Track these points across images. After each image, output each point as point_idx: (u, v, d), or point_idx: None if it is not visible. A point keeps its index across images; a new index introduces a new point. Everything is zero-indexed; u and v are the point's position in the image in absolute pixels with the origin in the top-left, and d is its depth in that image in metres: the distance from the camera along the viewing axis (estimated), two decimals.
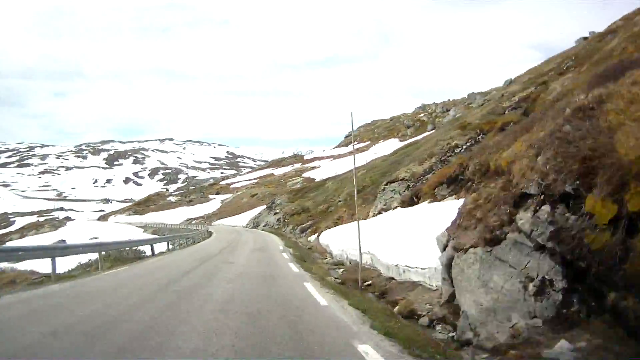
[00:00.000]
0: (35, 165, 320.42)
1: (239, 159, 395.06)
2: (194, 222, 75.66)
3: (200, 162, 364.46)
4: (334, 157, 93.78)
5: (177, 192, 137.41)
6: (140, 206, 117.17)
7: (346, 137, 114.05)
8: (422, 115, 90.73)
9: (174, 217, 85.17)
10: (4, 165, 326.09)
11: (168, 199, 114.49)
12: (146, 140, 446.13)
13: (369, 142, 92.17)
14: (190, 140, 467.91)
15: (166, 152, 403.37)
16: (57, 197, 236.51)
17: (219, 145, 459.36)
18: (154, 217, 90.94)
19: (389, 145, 75.35)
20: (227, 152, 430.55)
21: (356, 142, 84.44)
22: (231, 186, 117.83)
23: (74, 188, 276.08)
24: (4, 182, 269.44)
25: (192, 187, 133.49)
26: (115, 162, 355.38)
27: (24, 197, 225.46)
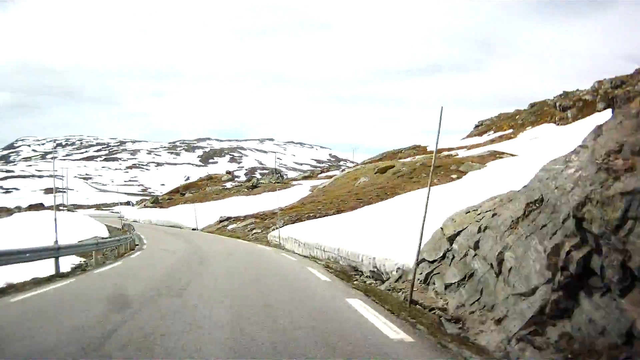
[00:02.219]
0: (124, 160, 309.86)
1: (342, 162, 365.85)
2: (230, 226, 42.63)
3: (301, 164, 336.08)
4: (468, 148, 65.34)
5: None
6: (171, 197, 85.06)
7: (476, 126, 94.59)
8: (584, 94, 66.25)
9: (209, 212, 52.77)
10: (90, 158, 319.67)
11: (226, 184, 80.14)
12: (245, 140, 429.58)
13: (511, 130, 74.25)
14: (292, 142, 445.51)
15: (265, 152, 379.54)
16: (140, 192, 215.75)
17: (321, 147, 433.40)
18: (175, 213, 60.50)
19: (545, 131, 59.60)
20: (330, 154, 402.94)
21: (491, 132, 77.78)
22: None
23: (163, 184, 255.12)
24: (86, 174, 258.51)
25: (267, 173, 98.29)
26: (210, 160, 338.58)
27: (101, 190, 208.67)
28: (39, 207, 75.95)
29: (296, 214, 36.73)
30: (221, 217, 46.82)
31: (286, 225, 31.34)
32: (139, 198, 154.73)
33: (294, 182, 76.65)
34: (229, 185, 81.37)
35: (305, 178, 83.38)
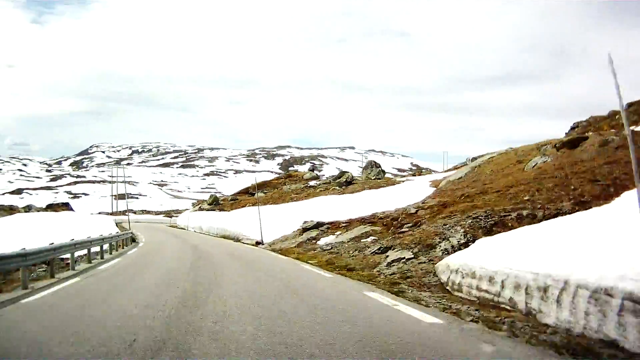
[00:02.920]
0: (201, 167, 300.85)
1: (424, 171, 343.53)
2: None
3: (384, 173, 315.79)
4: None
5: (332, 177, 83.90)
6: (236, 197, 66.29)
7: (572, 128, 68.88)
8: None
9: (286, 217, 33.03)
10: (166, 165, 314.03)
11: (310, 183, 60.56)
12: (325, 148, 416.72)
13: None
14: (373, 150, 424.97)
15: (346, 160, 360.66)
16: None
17: (402, 156, 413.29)
18: (237, 218, 40.75)
19: None
20: (412, 163, 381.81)
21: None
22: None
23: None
24: (161, 181, 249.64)
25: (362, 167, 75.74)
26: (290, 168, 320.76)
27: (175, 197, 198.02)
28: (58, 207, 59.35)
29: (474, 214, 16.09)
30: (305, 222, 26.34)
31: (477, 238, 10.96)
32: (196, 199, 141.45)
33: (399, 179, 55.76)
34: (313, 183, 61.10)
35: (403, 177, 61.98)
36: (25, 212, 53.89)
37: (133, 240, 30.93)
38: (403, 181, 51.04)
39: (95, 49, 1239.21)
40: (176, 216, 74.32)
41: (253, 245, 28.25)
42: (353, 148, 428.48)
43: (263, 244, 27.20)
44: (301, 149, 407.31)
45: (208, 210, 54.72)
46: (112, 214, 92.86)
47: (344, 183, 51.21)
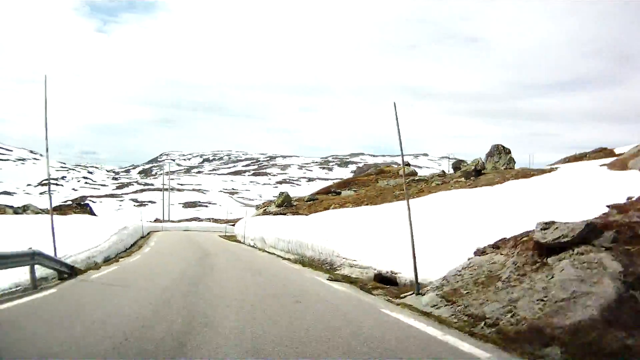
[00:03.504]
0: (274, 175, 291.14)
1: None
2: None
3: None
4: None
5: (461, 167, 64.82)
6: (314, 197, 51.61)
7: None
8: None
9: (399, 227, 12.74)
10: (237, 173, 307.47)
11: (427, 175, 44.68)
12: (398, 155, 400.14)
13: None
14: (446, 157, 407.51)
15: (420, 167, 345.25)
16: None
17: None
18: (318, 227, 23.37)
19: None
20: None
21: None
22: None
23: None
24: (232, 189, 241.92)
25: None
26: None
27: (246, 205, 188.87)
28: (70, 209, 46.55)
29: None
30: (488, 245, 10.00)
31: None
32: (262, 201, 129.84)
33: (548, 166, 38.88)
34: (423, 174, 45.08)
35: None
36: (16, 213, 40.64)
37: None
38: (557, 168, 34.51)
39: (163, 57, 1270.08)
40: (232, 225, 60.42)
41: (397, 297, 10.12)
42: (427, 155, 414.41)
43: (427, 291, 9.67)
44: (374, 156, 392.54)
45: (276, 214, 39.87)
46: (157, 220, 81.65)
47: (473, 173, 34.94)
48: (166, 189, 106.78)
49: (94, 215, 48.95)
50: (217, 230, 62.16)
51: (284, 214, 38.68)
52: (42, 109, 13.96)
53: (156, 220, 79.40)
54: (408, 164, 74.45)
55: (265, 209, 46.54)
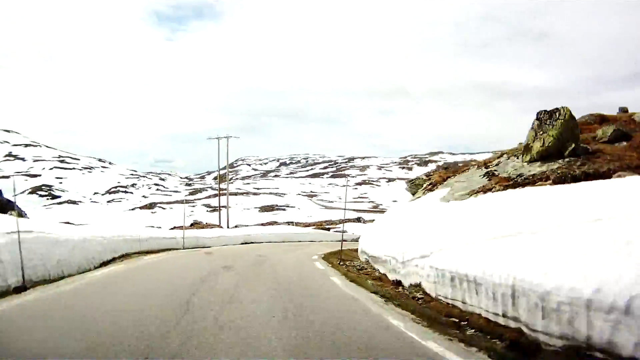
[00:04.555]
0: (353, 176, 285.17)
1: None
2: None
3: None
4: None
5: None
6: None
7: None
8: None
9: None
10: (315, 175, 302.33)
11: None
12: (478, 153, 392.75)
13: None
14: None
15: None
16: (371, 209, 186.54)
17: None
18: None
19: None
20: None
21: None
22: None
23: (395, 200, 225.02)
24: (311, 191, 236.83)
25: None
26: None
27: (327, 207, 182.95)
28: None
29: None
30: None
31: None
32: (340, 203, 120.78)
33: None
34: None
35: None
36: None
37: None
38: None
39: (238, 64, 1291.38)
40: (340, 230, 44.39)
41: None
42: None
43: None
44: (454, 154, 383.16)
45: (526, 182, 14.02)
46: (218, 226, 63.32)
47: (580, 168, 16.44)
48: (222, 190, 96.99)
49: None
50: (306, 240, 44.00)
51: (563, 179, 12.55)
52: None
53: (205, 226, 58.30)
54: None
55: (431, 182, 22.90)
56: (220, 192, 78.54)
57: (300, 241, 42.11)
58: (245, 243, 35.81)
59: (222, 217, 69.94)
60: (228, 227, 61.97)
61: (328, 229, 78.72)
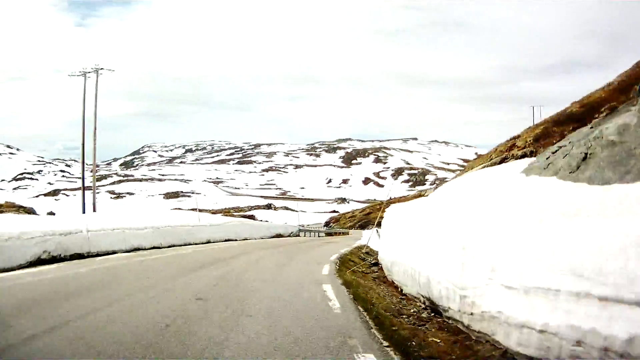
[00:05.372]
0: (259, 163, 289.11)
1: None
2: None
3: (449, 164, 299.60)
4: None
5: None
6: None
7: None
8: None
9: None
10: (221, 162, 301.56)
11: None
12: (387, 140, 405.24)
13: None
14: (436, 141, 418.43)
15: (410, 151, 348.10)
16: (279, 196, 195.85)
17: (466, 146, 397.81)
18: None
19: None
20: (476, 153, 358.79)
21: None
22: None
23: (302, 187, 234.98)
24: (217, 178, 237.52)
25: None
26: (354, 161, 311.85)
27: (233, 194, 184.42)
28: None
29: None
30: None
31: None
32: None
33: None
34: None
35: None
36: None
37: None
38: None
39: (145, 50, 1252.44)
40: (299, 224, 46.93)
41: None
42: (416, 139, 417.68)
43: None
44: (363, 141, 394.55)
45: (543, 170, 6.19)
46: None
47: None
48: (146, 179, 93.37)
49: (35, 214, 33.03)
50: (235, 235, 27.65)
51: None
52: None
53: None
54: None
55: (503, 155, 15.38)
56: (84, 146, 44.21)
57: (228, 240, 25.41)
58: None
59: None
60: (94, 210, 43.06)
61: (252, 217, 75.29)
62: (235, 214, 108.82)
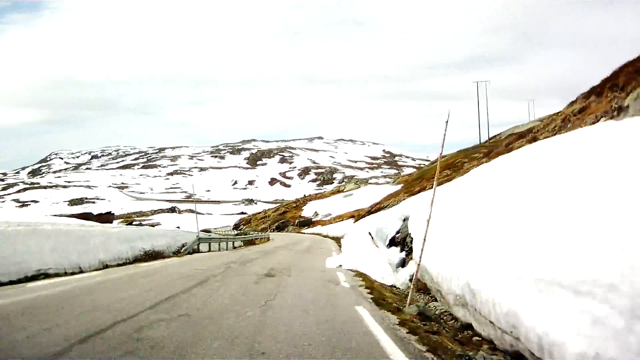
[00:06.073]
0: (164, 167, 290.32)
1: (397, 158, 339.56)
2: None
3: (356, 162, 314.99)
4: None
5: None
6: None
7: None
8: None
9: None
10: (126, 167, 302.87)
11: None
12: (292, 140, 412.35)
13: None
14: (342, 139, 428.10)
15: (316, 150, 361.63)
16: (184, 199, 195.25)
17: (373, 143, 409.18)
18: None
19: None
20: (384, 150, 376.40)
21: None
22: None
23: (208, 190, 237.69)
24: (122, 183, 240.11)
25: None
26: (259, 162, 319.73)
27: (138, 198, 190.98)
28: None
29: None
30: None
31: None
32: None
33: None
34: None
35: None
36: None
37: None
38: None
39: (49, 56, 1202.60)
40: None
41: None
42: (321, 138, 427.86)
43: None
44: (268, 141, 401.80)
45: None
46: None
47: None
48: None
49: None
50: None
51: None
52: None
53: None
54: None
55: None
56: None
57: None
58: None
59: None
60: None
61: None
62: (137, 219, 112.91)
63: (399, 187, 61.06)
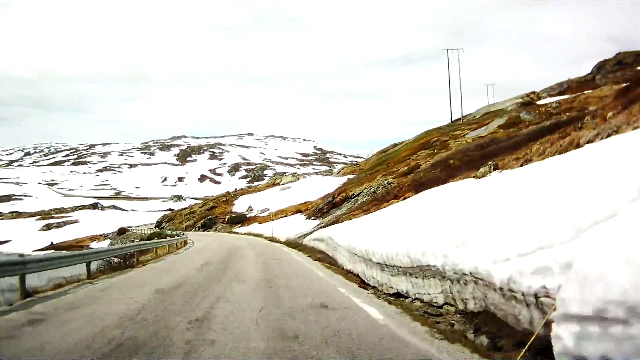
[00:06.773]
0: (94, 163, 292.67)
1: (328, 155, 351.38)
2: None
3: (287, 158, 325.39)
4: None
5: None
6: None
7: None
8: None
9: None
10: (56, 163, 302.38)
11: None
12: (222, 136, 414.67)
13: None
14: (272, 136, 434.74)
15: (247, 147, 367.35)
16: (113, 196, 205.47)
17: (305, 140, 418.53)
18: None
19: None
20: (315, 147, 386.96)
21: None
22: None
23: (138, 187, 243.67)
24: (52, 180, 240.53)
25: None
26: (189, 159, 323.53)
27: (66, 195, 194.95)
28: None
29: None
30: None
31: None
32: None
33: None
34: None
35: None
36: None
37: None
38: None
39: None
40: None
41: None
42: (252, 134, 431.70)
43: None
44: (197, 138, 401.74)
45: None
46: None
47: None
48: None
49: None
50: None
51: None
52: None
53: None
54: None
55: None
56: None
57: None
58: None
59: None
60: None
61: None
62: (55, 216, 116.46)
63: (344, 178, 60.91)
